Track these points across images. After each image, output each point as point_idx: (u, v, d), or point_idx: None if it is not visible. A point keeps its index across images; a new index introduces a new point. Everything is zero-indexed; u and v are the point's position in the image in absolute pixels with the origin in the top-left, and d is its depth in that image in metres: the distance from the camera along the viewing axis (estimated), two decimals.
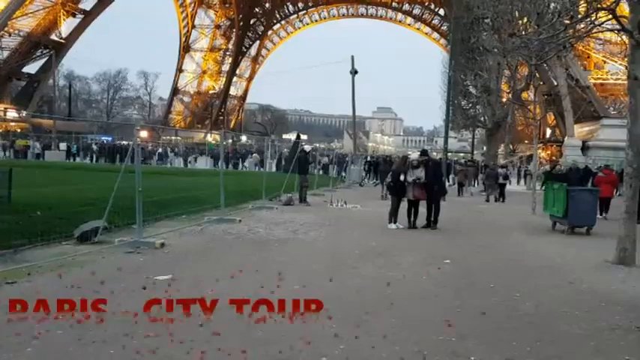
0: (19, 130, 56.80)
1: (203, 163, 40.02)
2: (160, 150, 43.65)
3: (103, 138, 59.32)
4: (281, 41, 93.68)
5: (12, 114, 60.63)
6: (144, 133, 58.95)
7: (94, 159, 41.95)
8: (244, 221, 11.64)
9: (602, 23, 10.29)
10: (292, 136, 69.37)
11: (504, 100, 26.71)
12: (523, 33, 18.36)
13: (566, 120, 45.36)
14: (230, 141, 71.11)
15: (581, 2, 11.45)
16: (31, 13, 57.70)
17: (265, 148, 23.74)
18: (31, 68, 61.97)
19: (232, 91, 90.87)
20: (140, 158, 9.01)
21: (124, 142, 48.68)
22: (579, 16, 11.32)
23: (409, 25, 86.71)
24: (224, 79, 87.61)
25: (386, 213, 12.46)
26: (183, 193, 13.91)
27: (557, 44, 11.15)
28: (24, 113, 60.45)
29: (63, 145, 43.12)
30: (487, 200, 21.12)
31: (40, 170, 21.91)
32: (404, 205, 12.27)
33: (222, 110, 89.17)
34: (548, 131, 54.28)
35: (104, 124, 73.52)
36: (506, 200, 21.05)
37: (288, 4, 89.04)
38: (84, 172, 24.82)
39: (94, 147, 44.63)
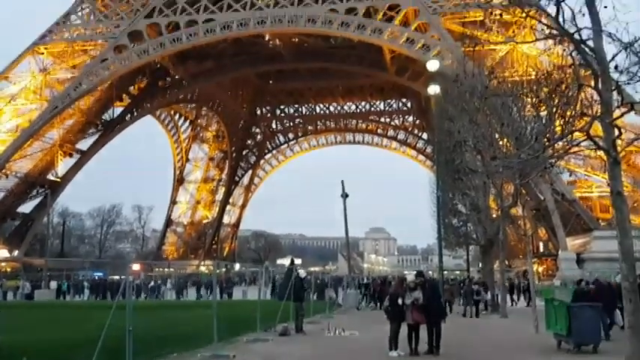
0: (9, 270, 56.16)
1: (196, 294, 39.27)
2: (153, 283, 42.99)
3: (95, 274, 58.56)
4: (273, 169, 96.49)
5: (3, 254, 60.25)
6: (136, 267, 58.31)
7: (86, 296, 41.12)
8: (239, 357, 11.20)
9: (580, 142, 10.79)
10: (286, 261, 68.90)
11: (494, 216, 27.07)
12: (504, 152, 19.08)
13: (557, 234, 45.71)
14: (224, 269, 70.39)
15: (556, 124, 12.09)
16: (28, 155, 59.58)
17: (259, 276, 23.44)
18: (26, 207, 62.66)
19: (225, 219, 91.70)
20: (132, 295, 8.87)
21: (117, 277, 48.01)
22: (556, 136, 11.89)
23: (395, 149, 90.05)
24: (217, 209, 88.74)
25: (385, 339, 12.08)
26: (176, 329, 13.50)
27: (538, 164, 11.58)
28: (16, 253, 60.14)
29: (53, 284, 42.37)
30: (464, 315, 22.80)
31: (29, 311, 21.36)
32: (404, 329, 11.94)
33: (216, 239, 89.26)
34: (542, 245, 54.43)
35: (96, 260, 72.95)
36: (480, 315, 22.74)
37: (278, 135, 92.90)
38: (74, 311, 24.18)
39: (85, 284, 43.91)
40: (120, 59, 57.12)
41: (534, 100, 17.98)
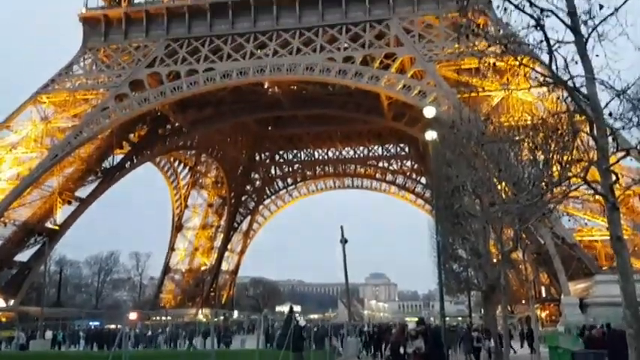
0: (4, 320, 55.23)
1: (196, 343, 38.52)
2: (150, 333, 42.29)
3: (91, 323, 57.63)
4: (272, 215, 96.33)
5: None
6: (133, 317, 57.50)
7: (82, 346, 40.37)
8: None
9: (578, 187, 10.85)
10: (285, 308, 67.99)
11: (495, 261, 26.88)
12: (503, 197, 19.13)
13: (559, 278, 45.29)
14: (222, 318, 69.32)
15: (554, 169, 12.19)
16: (27, 203, 59.56)
17: (257, 324, 23.07)
18: (23, 256, 62.17)
19: (224, 266, 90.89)
20: (129, 345, 8.72)
21: (113, 327, 47.26)
22: (553, 181, 11.96)
23: (394, 193, 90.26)
24: (216, 255, 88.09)
25: None
26: None
27: (537, 209, 11.61)
28: (12, 302, 59.31)
29: (49, 334, 41.65)
30: None
31: None
32: None
33: (214, 286, 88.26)
34: (544, 290, 53.80)
35: (93, 309, 71.92)
36: None
37: (277, 180, 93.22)
38: None
39: (81, 334, 43.18)
40: (121, 107, 57.89)
41: (531, 145, 18.17)
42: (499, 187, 20.92)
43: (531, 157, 16.90)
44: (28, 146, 58.36)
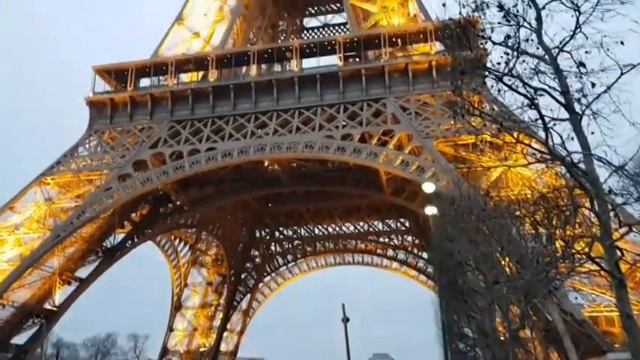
0: None
1: None
2: None
3: None
4: (271, 292, 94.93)
5: None
6: None
7: None
8: None
9: (583, 263, 10.82)
10: None
11: (502, 339, 26.21)
12: (507, 273, 18.94)
13: (570, 357, 43.89)
14: None
15: (557, 245, 12.18)
16: (27, 284, 58.82)
17: None
18: (20, 338, 60.61)
19: (223, 346, 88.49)
20: None
21: None
22: (558, 256, 11.93)
23: (395, 269, 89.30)
24: (215, 336, 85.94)
25: None
26: None
27: (543, 285, 11.52)
28: None
29: None
30: None
31: None
32: None
33: None
34: None
35: None
36: None
37: (277, 257, 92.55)
38: None
39: None
40: (124, 187, 58.40)
41: (532, 220, 18.23)
42: (503, 262, 20.79)
43: (534, 232, 16.94)
44: (30, 227, 58.35)
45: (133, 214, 67.26)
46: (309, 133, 57.78)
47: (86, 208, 57.57)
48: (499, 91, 12.15)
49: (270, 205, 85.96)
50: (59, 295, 61.36)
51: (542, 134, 12.69)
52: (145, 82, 66.89)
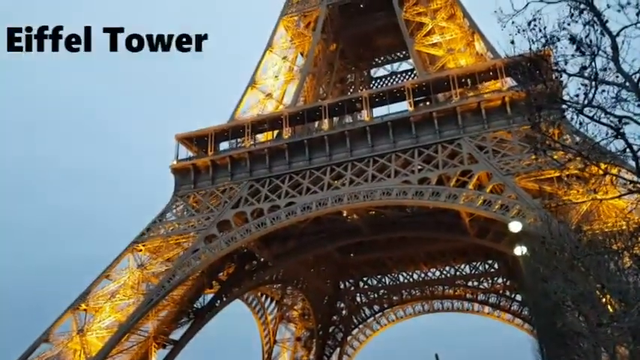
0: None
1: None
2: None
3: None
4: (361, 345, 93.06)
5: None
6: None
7: None
8: None
9: None
10: None
11: None
12: (610, 312, 17.80)
13: None
14: None
15: None
16: (125, 350, 61.23)
17: None
18: None
19: None
20: None
21: None
22: None
23: (488, 314, 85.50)
24: None
25: None
26: None
27: None
28: None
29: None
30: None
31: None
32: None
33: None
34: None
35: None
36: None
37: (363, 308, 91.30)
38: None
39: None
40: (210, 248, 60.41)
41: (631, 253, 17.16)
42: (604, 300, 19.56)
43: (635, 267, 15.91)
44: (125, 293, 61.20)
45: (220, 274, 69.07)
46: (385, 180, 57.78)
47: (176, 271, 59.86)
48: (580, 123, 11.83)
49: (352, 255, 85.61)
50: (155, 359, 63.27)
51: (632, 163, 12.15)
52: (223, 145, 69.99)
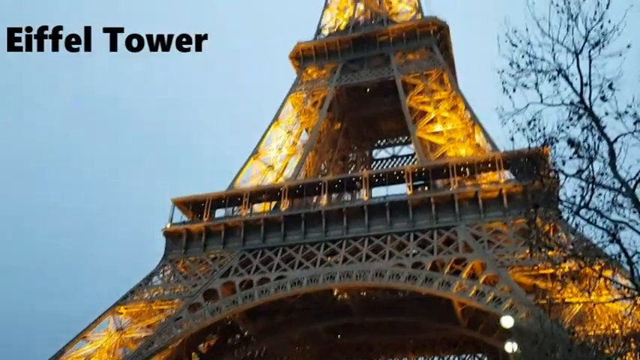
0: None
1: None
2: None
3: None
4: None
5: None
6: None
7: None
8: None
9: None
10: None
11: None
12: None
13: None
14: None
15: None
16: None
17: None
18: None
19: None
20: None
21: None
22: None
23: None
24: None
25: None
26: None
27: None
28: None
29: None
30: None
31: None
32: None
33: None
34: None
35: None
36: None
37: None
38: None
39: None
40: (193, 317, 58.82)
41: (624, 359, 16.71)
42: None
43: None
44: (101, 357, 58.94)
45: (201, 345, 66.89)
46: (379, 261, 57.24)
47: (155, 338, 57.96)
48: (576, 225, 11.83)
49: (339, 336, 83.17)
50: None
51: (627, 267, 12.05)
52: (219, 212, 69.87)
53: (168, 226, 67.99)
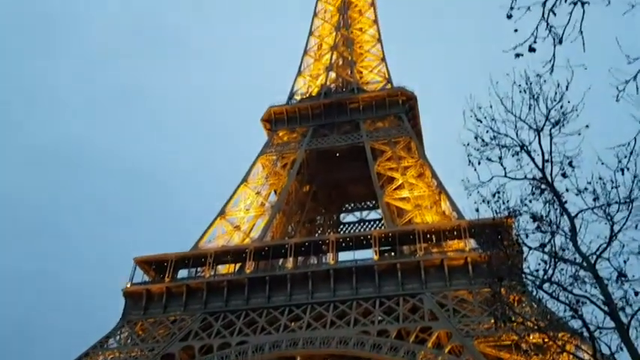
0: None
1: None
2: None
3: None
4: None
5: None
6: None
7: None
8: None
9: None
10: None
11: None
12: None
13: None
14: None
15: None
16: None
17: None
18: None
19: None
20: None
21: None
22: None
23: None
24: None
25: None
26: None
27: None
28: None
29: None
30: None
31: None
32: None
33: None
34: None
35: None
36: None
37: None
38: None
39: None
40: None
41: None
42: None
43: None
44: None
45: None
46: (344, 327, 56.19)
47: None
48: (540, 299, 11.90)
49: None
50: None
51: (589, 342, 12.07)
52: (182, 273, 68.19)
53: (128, 285, 65.82)
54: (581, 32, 6.48)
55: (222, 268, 68.52)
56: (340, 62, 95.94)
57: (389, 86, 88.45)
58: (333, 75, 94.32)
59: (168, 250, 68.00)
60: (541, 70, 7.15)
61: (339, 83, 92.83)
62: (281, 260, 68.36)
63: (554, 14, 6.22)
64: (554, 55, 6.79)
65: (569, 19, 6.22)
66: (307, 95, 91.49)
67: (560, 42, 6.53)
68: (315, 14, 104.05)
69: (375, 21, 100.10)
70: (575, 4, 6.15)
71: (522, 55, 6.80)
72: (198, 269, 67.41)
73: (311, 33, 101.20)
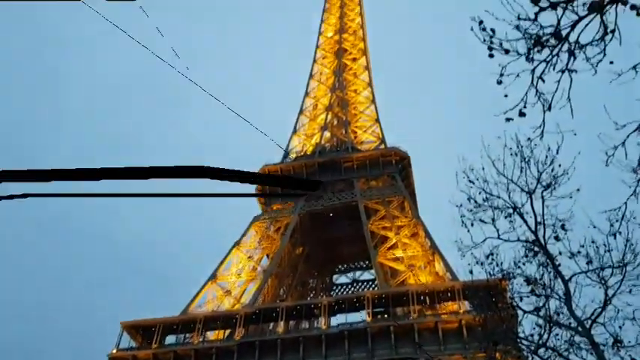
0: None
1: None
2: None
3: None
4: None
5: None
6: None
7: None
8: None
9: None
10: None
11: None
12: None
13: None
14: None
15: None
16: None
17: None
18: None
19: None
20: None
21: None
22: None
23: None
24: None
25: None
26: None
27: None
28: None
29: None
30: None
31: None
32: None
33: None
34: None
35: None
36: None
37: None
38: None
39: None
40: None
41: None
42: None
43: None
44: None
45: None
46: None
47: None
48: None
49: None
50: None
51: None
52: (170, 338, 66.21)
53: (114, 351, 63.69)
54: (569, 99, 6.61)
55: (212, 335, 66.64)
56: (335, 122, 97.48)
57: (383, 146, 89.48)
58: (327, 134, 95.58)
59: (157, 314, 66.38)
60: (531, 134, 7.25)
61: (334, 142, 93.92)
62: (272, 324, 66.77)
63: (543, 81, 6.36)
64: (543, 120, 6.90)
65: (557, 87, 6.37)
66: (302, 154, 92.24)
67: (549, 109, 6.65)
68: (310, 76, 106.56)
69: (370, 83, 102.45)
70: (563, 72, 6.30)
71: (512, 119, 6.90)
72: (187, 335, 65.50)
73: (307, 94, 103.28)
